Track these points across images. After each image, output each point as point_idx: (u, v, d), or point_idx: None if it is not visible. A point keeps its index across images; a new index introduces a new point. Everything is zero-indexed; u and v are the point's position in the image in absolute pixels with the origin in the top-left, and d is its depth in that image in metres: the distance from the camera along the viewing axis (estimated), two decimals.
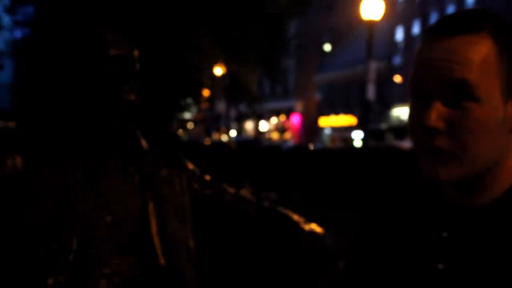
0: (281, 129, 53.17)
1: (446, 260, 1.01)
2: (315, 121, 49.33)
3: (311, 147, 21.65)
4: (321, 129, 49.02)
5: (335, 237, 1.80)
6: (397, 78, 38.57)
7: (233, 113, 50.08)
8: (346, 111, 45.36)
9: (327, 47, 51.20)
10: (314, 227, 1.82)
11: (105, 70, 1.55)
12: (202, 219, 1.81)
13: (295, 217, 1.87)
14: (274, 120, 54.60)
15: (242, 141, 30.43)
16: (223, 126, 49.45)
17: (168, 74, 13.13)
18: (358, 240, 1.19)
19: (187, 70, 15.16)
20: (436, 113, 0.96)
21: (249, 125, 56.41)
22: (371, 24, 15.91)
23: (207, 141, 27.76)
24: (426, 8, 38.36)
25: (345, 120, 45.21)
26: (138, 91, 1.62)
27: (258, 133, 52.34)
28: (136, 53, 1.62)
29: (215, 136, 46.14)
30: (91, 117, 1.56)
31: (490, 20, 0.98)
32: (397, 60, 40.69)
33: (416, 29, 39.52)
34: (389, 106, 39.76)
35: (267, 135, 52.65)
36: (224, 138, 42.34)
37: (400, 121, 35.34)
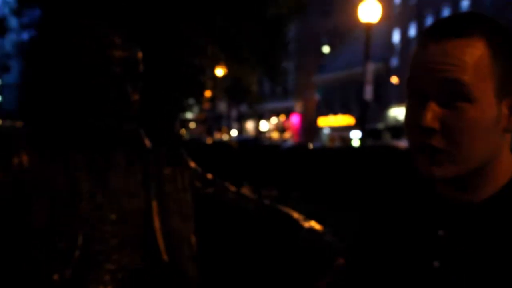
0: (281, 128, 53.17)
1: (442, 258, 1.01)
2: (314, 121, 49.32)
3: (311, 146, 21.64)
4: (320, 129, 49.01)
5: (334, 235, 1.79)
6: (394, 79, 38.55)
7: (234, 113, 50.04)
8: (345, 111, 45.34)
9: (326, 49, 51.19)
10: (314, 224, 1.82)
11: (109, 71, 1.55)
12: (204, 217, 1.81)
13: (295, 214, 1.87)
14: (274, 120, 54.59)
15: (243, 141, 30.37)
16: (225, 125, 49.39)
17: (171, 75, 13.13)
18: (356, 238, 1.19)
19: (190, 71, 15.15)
20: (432, 113, 0.96)
21: (249, 125, 56.40)
22: (368, 27, 15.91)
23: (209, 140, 27.75)
24: (422, 11, 38.34)
25: (344, 120, 45.20)
26: (142, 91, 1.63)
27: (258, 132, 52.32)
28: (140, 54, 1.62)
29: (216, 135, 46.12)
30: (95, 117, 1.56)
31: (484, 24, 0.99)
32: (394, 61, 40.68)
33: (412, 31, 39.49)
34: (386, 106, 39.75)
35: (267, 135, 52.63)
36: (225, 137, 42.31)
37: (397, 121, 35.33)
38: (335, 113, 46.84)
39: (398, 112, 37.69)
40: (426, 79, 0.97)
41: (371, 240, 1.14)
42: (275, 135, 52.68)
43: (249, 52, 16.47)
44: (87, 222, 1.52)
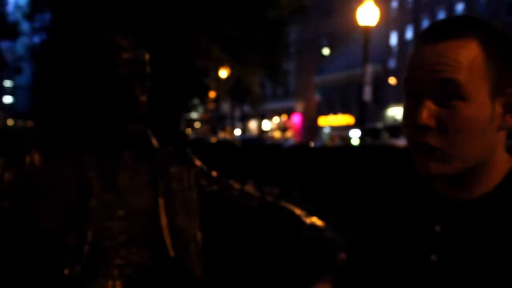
0: (282, 128, 53.20)
1: (439, 252, 1.01)
2: (315, 121, 49.35)
3: (312, 145, 21.64)
4: (321, 128, 49.03)
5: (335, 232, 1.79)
6: (392, 80, 38.54)
7: (237, 113, 50.07)
8: (344, 111, 45.36)
9: (326, 51, 51.19)
10: (315, 220, 1.82)
11: (117, 74, 1.55)
12: (209, 214, 1.80)
13: (297, 211, 1.87)
14: (276, 119, 54.61)
15: (246, 140, 30.38)
16: (228, 125, 49.41)
17: (176, 76, 13.14)
18: (356, 234, 1.19)
19: (195, 73, 15.17)
20: (427, 111, 0.96)
21: (252, 124, 56.42)
22: (367, 30, 15.92)
23: (213, 140, 27.77)
24: (418, 14, 38.33)
25: (343, 119, 45.21)
26: (149, 93, 1.62)
27: (261, 132, 52.36)
28: (147, 56, 1.62)
29: (220, 134, 46.14)
30: (103, 119, 1.56)
31: (479, 26, 0.99)
32: (392, 63, 40.68)
33: (409, 34, 39.49)
34: (384, 106, 39.74)
35: (269, 134, 52.66)
36: (229, 136, 42.32)
37: (395, 120, 35.32)
38: (335, 113, 46.86)
39: (396, 112, 37.68)
40: (423, 80, 0.97)
41: (370, 235, 1.14)
42: (277, 134, 52.72)
43: (251, 54, 16.49)
44: (96, 219, 1.52)
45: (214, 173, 1.86)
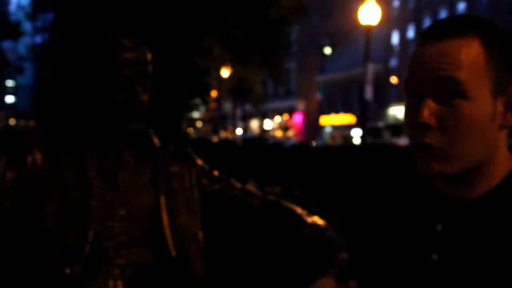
0: (284, 127, 53.18)
1: (440, 251, 1.00)
2: (316, 120, 49.34)
3: (313, 144, 21.63)
4: (322, 127, 49.02)
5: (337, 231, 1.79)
6: (393, 79, 38.53)
7: (239, 112, 50.06)
8: (346, 110, 45.34)
9: (327, 50, 51.17)
10: (317, 219, 1.81)
11: (118, 73, 1.55)
12: (211, 213, 1.80)
13: (298, 210, 1.87)
14: (277, 119, 54.61)
15: (247, 139, 30.37)
16: (230, 124, 49.41)
17: (178, 76, 13.15)
18: (357, 232, 1.19)
19: (196, 72, 15.18)
20: (428, 110, 0.96)
21: (254, 124, 56.40)
22: (368, 29, 15.90)
23: (215, 139, 27.76)
24: (419, 13, 38.30)
25: (345, 118, 45.20)
26: (151, 92, 1.62)
27: (262, 131, 52.32)
28: (149, 55, 1.62)
29: (222, 134, 46.14)
30: (105, 119, 1.56)
31: (480, 25, 0.98)
32: (393, 62, 40.65)
33: (410, 33, 39.45)
34: (386, 105, 39.73)
35: (271, 133, 52.65)
36: (230, 136, 42.32)
37: (396, 119, 35.32)
38: (337, 112, 46.84)
39: (397, 111, 37.66)
40: (424, 79, 0.97)
41: (371, 234, 1.14)
42: (278, 133, 52.71)
43: (253, 53, 16.50)
44: (97, 219, 1.52)
45: (215, 172, 1.86)
